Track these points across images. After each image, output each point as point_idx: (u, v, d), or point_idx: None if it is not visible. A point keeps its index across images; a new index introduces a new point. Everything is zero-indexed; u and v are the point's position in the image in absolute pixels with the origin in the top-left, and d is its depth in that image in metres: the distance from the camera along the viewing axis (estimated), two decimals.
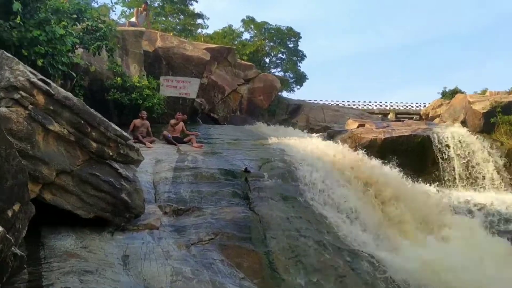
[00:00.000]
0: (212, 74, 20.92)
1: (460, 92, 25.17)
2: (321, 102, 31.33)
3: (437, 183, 14.77)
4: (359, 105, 33.66)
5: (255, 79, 23.95)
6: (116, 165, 6.70)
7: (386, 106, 33.84)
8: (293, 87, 32.04)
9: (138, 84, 14.48)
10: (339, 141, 14.67)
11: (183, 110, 15.88)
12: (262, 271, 7.67)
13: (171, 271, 6.18)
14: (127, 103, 14.23)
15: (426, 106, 29.31)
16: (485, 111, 16.86)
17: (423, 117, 25.55)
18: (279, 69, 31.87)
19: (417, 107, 33.06)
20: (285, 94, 30.27)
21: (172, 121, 14.10)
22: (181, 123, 14.19)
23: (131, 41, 15.39)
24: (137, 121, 13.54)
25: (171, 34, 21.19)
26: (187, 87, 16.46)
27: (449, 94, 26.98)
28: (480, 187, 15.20)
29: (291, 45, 31.57)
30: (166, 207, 8.45)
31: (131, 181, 6.93)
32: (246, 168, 10.56)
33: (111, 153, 6.57)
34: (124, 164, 6.97)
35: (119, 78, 14.20)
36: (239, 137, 15.21)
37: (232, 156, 12.04)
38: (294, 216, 9.22)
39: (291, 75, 31.78)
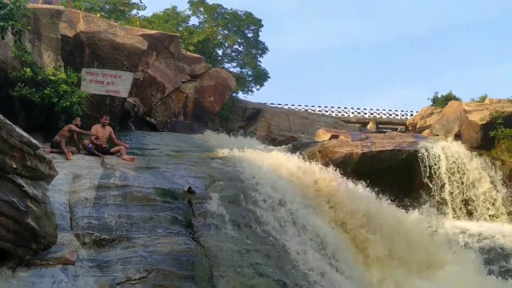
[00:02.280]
0: (150, 68, 20.76)
1: (455, 98, 26.08)
2: (286, 107, 31.71)
3: (426, 209, 15.14)
4: (333, 111, 34.37)
5: (204, 76, 23.88)
6: (21, 181, 6.53)
7: (365, 114, 34.73)
8: (252, 87, 32.11)
9: (53, 78, 14.14)
10: (307, 156, 14.81)
11: (111, 112, 15.66)
12: None
13: None
14: (38, 101, 13.87)
15: (414, 114, 30.24)
16: (483, 122, 17.48)
17: (410, 128, 26.29)
18: (234, 64, 31.96)
19: (403, 115, 34.05)
20: (241, 95, 30.36)
21: (95, 127, 13.88)
22: (109, 129, 14.01)
23: (46, 23, 15.04)
24: (72, 127, 13.36)
25: (98, 15, 20.89)
26: (116, 83, 16.23)
27: (442, 101, 27.83)
28: (477, 215, 15.66)
29: (250, 35, 31.72)
30: (85, 237, 8.27)
31: (40, 202, 6.76)
32: (190, 188, 10.49)
33: (14, 166, 6.40)
34: (32, 180, 6.80)
35: (28, 69, 13.83)
36: (182, 148, 15.13)
37: (172, 172, 11.94)
38: (249, 248, 9.22)
39: (250, 72, 31.85)
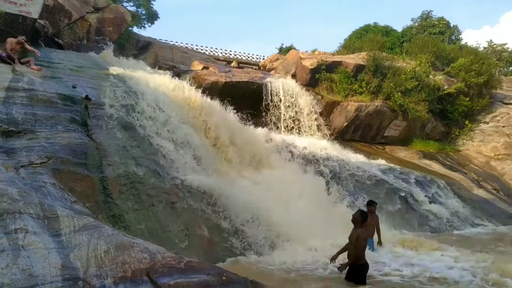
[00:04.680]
0: None
1: (294, 49, 26.61)
2: (171, 43, 30.38)
3: (267, 126, 15.66)
4: (207, 50, 33.59)
5: (106, 9, 21.98)
6: None
7: (231, 54, 34.40)
8: (144, 24, 30.25)
9: None
10: (184, 80, 14.40)
11: (24, 30, 13.92)
12: (95, 196, 7.37)
13: None
14: None
15: (265, 59, 30.54)
16: (312, 67, 18.13)
17: (261, 68, 26.53)
18: (131, 4, 29.68)
19: (257, 59, 34.22)
20: (136, 29, 28.50)
21: (11, 41, 12.32)
22: (25, 45, 12.60)
23: None
24: None
25: None
26: (28, 5, 14.33)
27: (285, 50, 28.41)
28: (302, 133, 16.51)
29: None
30: None
31: None
32: (87, 95, 9.77)
33: None
34: None
35: None
36: (83, 65, 13.91)
37: (73, 82, 11.00)
38: (132, 145, 8.94)
39: (143, 12, 29.93)
